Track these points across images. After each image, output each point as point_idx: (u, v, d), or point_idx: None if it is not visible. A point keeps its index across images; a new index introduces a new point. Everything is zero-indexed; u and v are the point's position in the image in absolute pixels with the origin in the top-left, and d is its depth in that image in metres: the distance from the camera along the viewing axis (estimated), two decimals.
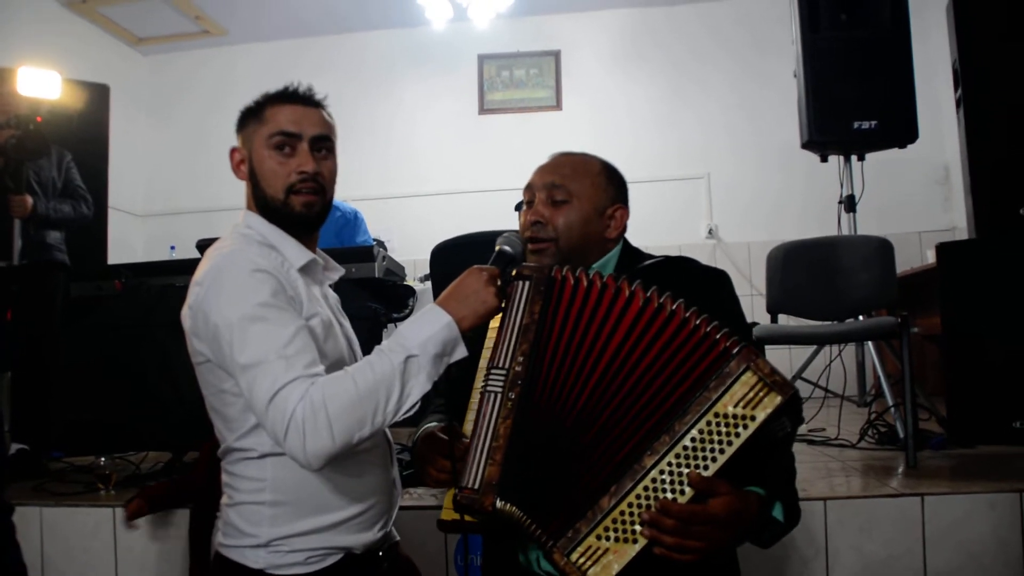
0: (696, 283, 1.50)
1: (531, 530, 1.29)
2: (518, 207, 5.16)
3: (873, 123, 3.99)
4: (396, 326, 3.15)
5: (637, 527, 1.24)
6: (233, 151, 1.56)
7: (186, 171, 6.90)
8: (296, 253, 1.52)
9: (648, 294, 1.32)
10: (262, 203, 1.52)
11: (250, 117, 1.56)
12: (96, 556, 2.70)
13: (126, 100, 6.21)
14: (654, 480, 1.24)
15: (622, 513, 1.25)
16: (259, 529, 1.42)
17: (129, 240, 6.60)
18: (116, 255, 5.28)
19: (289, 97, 1.55)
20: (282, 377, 1.28)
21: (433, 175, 6.44)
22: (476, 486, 1.30)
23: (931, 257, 3.42)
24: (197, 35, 6.85)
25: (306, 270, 1.52)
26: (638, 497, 1.25)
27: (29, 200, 3.59)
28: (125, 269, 3.32)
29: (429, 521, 2.46)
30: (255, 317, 1.33)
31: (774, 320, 3.80)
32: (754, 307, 5.28)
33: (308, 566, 1.41)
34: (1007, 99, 3.18)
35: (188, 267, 3.37)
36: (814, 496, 2.46)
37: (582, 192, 1.58)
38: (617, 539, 1.25)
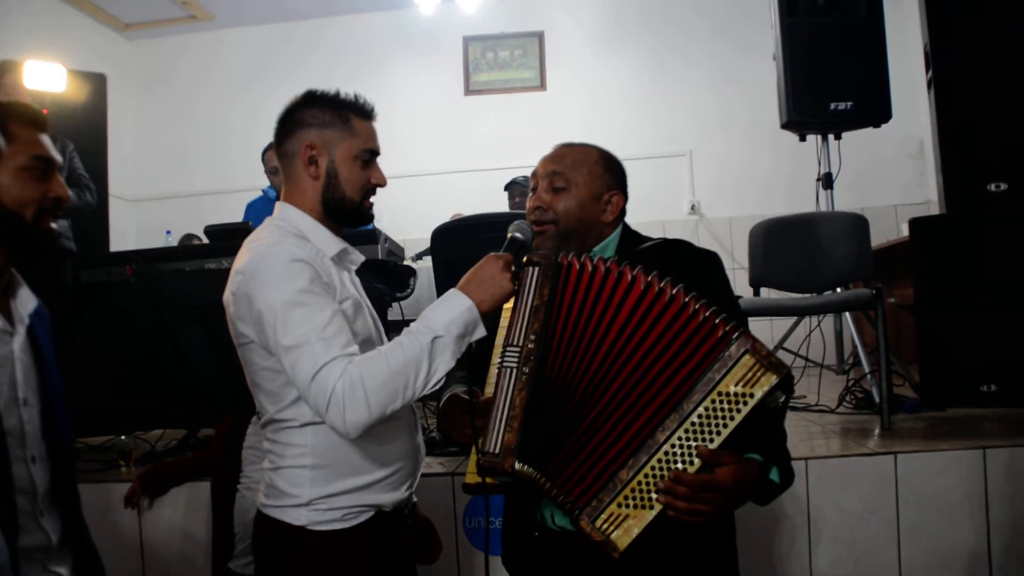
0: (690, 265, 1.65)
1: (552, 493, 1.47)
2: (506, 187, 5.29)
3: (849, 104, 4.15)
4: (399, 305, 3.30)
5: (653, 495, 1.41)
6: (308, 146, 1.64)
7: (176, 156, 6.97)
8: (330, 243, 1.66)
9: (649, 279, 1.48)
10: (334, 199, 1.66)
11: (332, 120, 1.66)
12: (123, 529, 2.85)
13: (114, 86, 6.25)
14: (666, 453, 1.41)
15: (639, 483, 1.42)
16: (300, 490, 1.57)
17: (121, 226, 6.67)
18: (111, 241, 5.37)
19: (369, 114, 1.69)
20: (322, 357, 1.44)
21: (420, 156, 6.55)
22: (497, 451, 1.47)
23: (906, 230, 3.58)
24: (184, 20, 6.91)
25: (336, 257, 1.67)
26: (652, 468, 1.42)
27: None
28: (135, 255, 3.43)
29: (440, 487, 2.64)
30: (296, 303, 1.48)
31: (756, 293, 3.99)
32: (736, 280, 5.39)
33: (344, 522, 1.57)
34: (977, 80, 3.31)
35: (196, 253, 3.52)
36: (796, 457, 2.60)
37: (579, 180, 1.72)
38: (636, 506, 1.42)
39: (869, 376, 3.60)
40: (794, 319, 4.07)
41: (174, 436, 3.50)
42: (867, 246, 3.73)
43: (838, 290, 3.84)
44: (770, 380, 1.39)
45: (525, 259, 1.58)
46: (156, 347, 3.22)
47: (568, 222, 1.70)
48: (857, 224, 3.74)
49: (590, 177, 1.73)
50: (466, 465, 1.63)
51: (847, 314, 4.01)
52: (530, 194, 1.78)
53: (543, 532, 1.67)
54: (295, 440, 1.58)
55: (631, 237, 1.78)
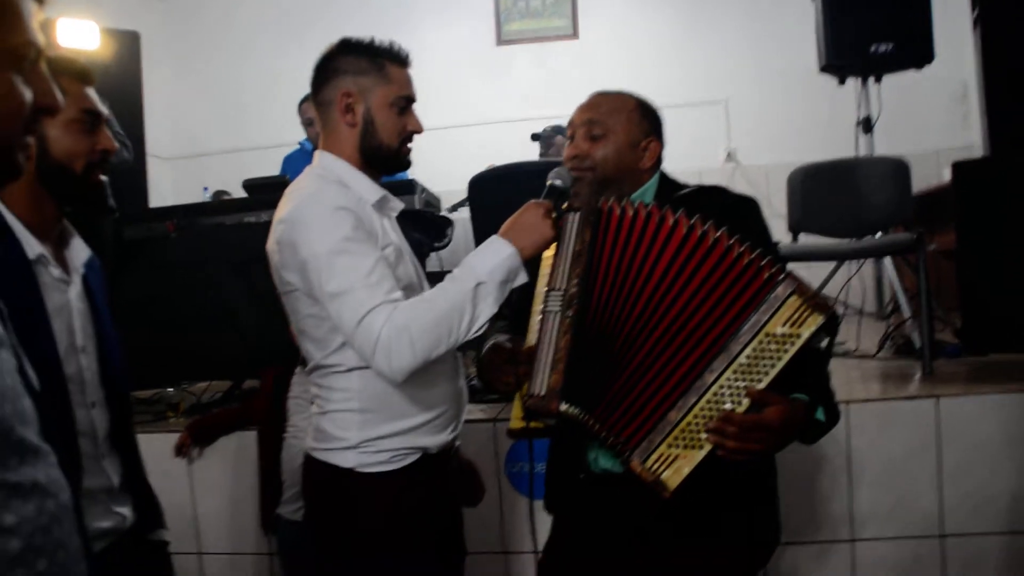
0: (728, 210, 1.64)
1: (601, 435, 1.49)
2: (534, 137, 5.24)
3: (890, 45, 4.06)
4: (438, 256, 3.32)
5: (703, 435, 1.42)
6: (344, 93, 1.65)
7: (209, 112, 6.99)
8: (370, 190, 1.68)
9: (692, 222, 1.47)
10: (372, 147, 1.66)
11: (367, 67, 1.66)
12: (174, 479, 2.93)
13: (147, 44, 6.28)
14: (715, 394, 1.43)
15: (689, 424, 1.44)
16: (349, 433, 1.61)
17: (159, 184, 6.74)
18: (149, 199, 5.43)
19: (405, 61, 1.69)
20: (367, 303, 1.47)
21: (452, 107, 6.50)
22: (542, 393, 1.49)
23: (948, 175, 3.51)
24: None
25: (377, 204, 1.68)
26: (702, 409, 1.43)
27: None
28: (176, 211, 3.48)
29: (482, 432, 2.68)
30: (340, 250, 1.50)
31: (795, 239, 3.95)
32: (773, 227, 5.35)
33: (391, 464, 1.61)
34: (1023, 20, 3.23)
35: (236, 207, 3.56)
36: (836, 400, 2.64)
37: (617, 127, 1.71)
38: (685, 446, 1.44)
39: (910, 321, 3.57)
40: (833, 264, 4.03)
41: (219, 388, 3.58)
42: (908, 190, 3.67)
43: (878, 235, 3.79)
44: (816, 320, 1.39)
45: (565, 205, 1.59)
46: (199, 301, 3.27)
47: (606, 169, 1.69)
48: (898, 168, 3.69)
49: (627, 124, 1.72)
50: (508, 411, 1.65)
51: (887, 259, 3.97)
52: (567, 142, 1.78)
53: (587, 475, 1.70)
54: (342, 385, 1.62)
55: (668, 184, 1.78)
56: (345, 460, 1.61)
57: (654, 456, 1.44)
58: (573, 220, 1.56)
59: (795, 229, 3.93)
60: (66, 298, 1.50)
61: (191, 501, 2.96)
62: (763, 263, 1.43)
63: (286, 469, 2.61)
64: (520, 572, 2.73)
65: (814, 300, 1.40)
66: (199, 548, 2.96)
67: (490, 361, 1.66)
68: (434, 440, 1.66)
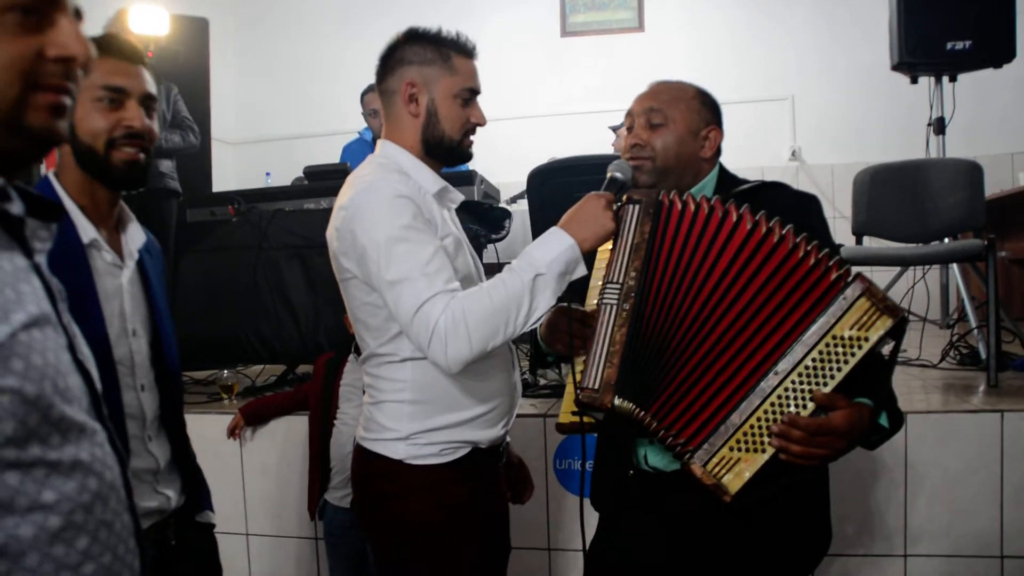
0: (788, 206, 1.59)
1: (660, 434, 1.45)
2: (613, 128, 5.13)
3: (968, 43, 3.91)
4: (495, 247, 3.32)
5: (766, 438, 1.38)
6: (409, 83, 1.64)
7: (274, 99, 7.09)
8: (431, 180, 1.67)
9: (756, 218, 1.43)
10: (434, 138, 1.66)
11: (433, 57, 1.65)
12: (225, 460, 2.99)
13: (215, 30, 6.39)
14: (779, 397, 1.38)
15: (751, 427, 1.39)
16: (400, 424, 1.61)
17: (222, 168, 6.86)
18: (213, 183, 5.53)
19: (471, 53, 1.68)
20: (425, 292, 1.46)
21: (516, 99, 6.49)
22: (596, 386, 1.46)
23: (1023, 180, 3.39)
24: None
25: (437, 195, 1.68)
26: (765, 412, 1.39)
27: None
28: (237, 195, 3.54)
29: (532, 427, 2.67)
30: (399, 238, 1.50)
31: (859, 242, 3.85)
32: (836, 229, 5.27)
33: (442, 457, 1.61)
34: None
35: (296, 193, 3.60)
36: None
37: (677, 115, 1.68)
38: (747, 449, 1.40)
39: (976, 331, 3.45)
40: (898, 269, 3.92)
41: (273, 372, 3.64)
42: (980, 195, 3.54)
43: (946, 240, 3.68)
44: (885, 324, 1.35)
45: (625, 197, 1.56)
46: (257, 285, 3.32)
47: (667, 158, 1.66)
48: (971, 172, 3.56)
49: (688, 112, 1.68)
50: (558, 408, 1.63)
51: (954, 266, 3.84)
52: (626, 133, 1.75)
53: (636, 472, 1.67)
54: (395, 375, 1.62)
55: (728, 179, 1.74)
56: (395, 451, 1.61)
57: (715, 459, 1.41)
58: (633, 212, 1.53)
59: (859, 232, 3.83)
60: (119, 283, 1.52)
61: (241, 482, 3.01)
62: (831, 263, 1.39)
63: (335, 455, 2.64)
64: (564, 569, 2.71)
65: (884, 303, 1.35)
66: (246, 529, 3.01)
67: (555, 322, 1.62)
68: (485, 435, 1.65)
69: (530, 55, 6.62)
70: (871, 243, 3.90)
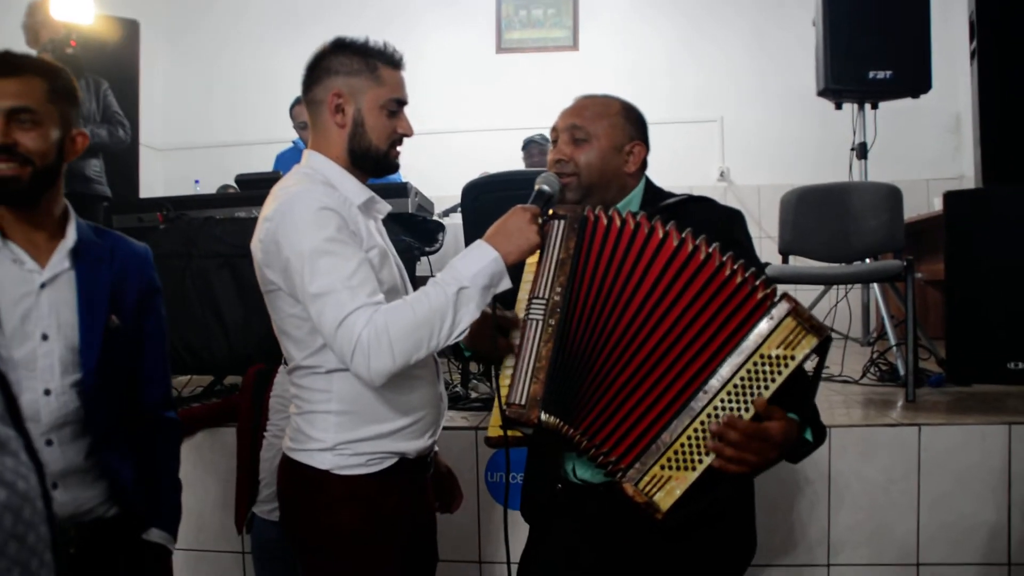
0: (713, 221, 1.63)
1: (591, 452, 1.46)
2: (524, 147, 5.24)
3: (888, 73, 4.08)
4: (428, 259, 3.31)
5: (696, 456, 1.40)
6: (335, 94, 1.64)
7: (204, 106, 6.98)
8: (357, 191, 1.66)
9: (683, 235, 1.45)
10: (361, 148, 1.65)
11: (360, 68, 1.64)
12: None
13: (146, 33, 6.25)
14: (708, 416, 1.40)
15: (682, 445, 1.40)
16: (326, 435, 1.59)
17: (150, 175, 6.70)
18: (140, 190, 5.40)
19: (398, 64, 1.68)
20: (348, 305, 1.45)
21: (450, 114, 6.51)
22: (523, 402, 1.47)
23: (938, 204, 3.52)
24: None
25: (363, 206, 1.67)
26: (695, 431, 1.40)
27: None
28: (166, 202, 3.46)
29: (463, 441, 2.67)
30: (323, 251, 1.49)
31: (785, 261, 3.96)
32: (763, 249, 5.41)
33: (369, 467, 1.59)
34: (1022, 53, 3.25)
35: (227, 201, 3.53)
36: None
37: (600, 131, 1.70)
38: (678, 467, 1.41)
39: (895, 348, 3.58)
40: (821, 288, 4.04)
41: (200, 382, 3.55)
42: (899, 218, 3.68)
43: (867, 261, 3.80)
44: (811, 343, 1.37)
45: (551, 212, 1.57)
46: (186, 294, 3.24)
47: (590, 175, 1.68)
48: (891, 195, 3.70)
49: (611, 128, 1.71)
50: (489, 420, 1.63)
51: (875, 286, 3.98)
52: (550, 147, 1.77)
53: (565, 485, 1.68)
54: (321, 386, 1.60)
55: (655, 193, 1.76)
56: (322, 462, 1.59)
57: (647, 478, 1.41)
58: (558, 228, 1.54)
59: (785, 251, 3.94)
60: (30, 288, 1.52)
61: None
62: (757, 283, 1.41)
63: (264, 468, 2.58)
64: None
65: (810, 322, 1.38)
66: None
67: (478, 330, 1.61)
68: (412, 445, 1.65)
69: (466, 70, 6.67)
70: (796, 262, 4.01)
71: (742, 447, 1.37)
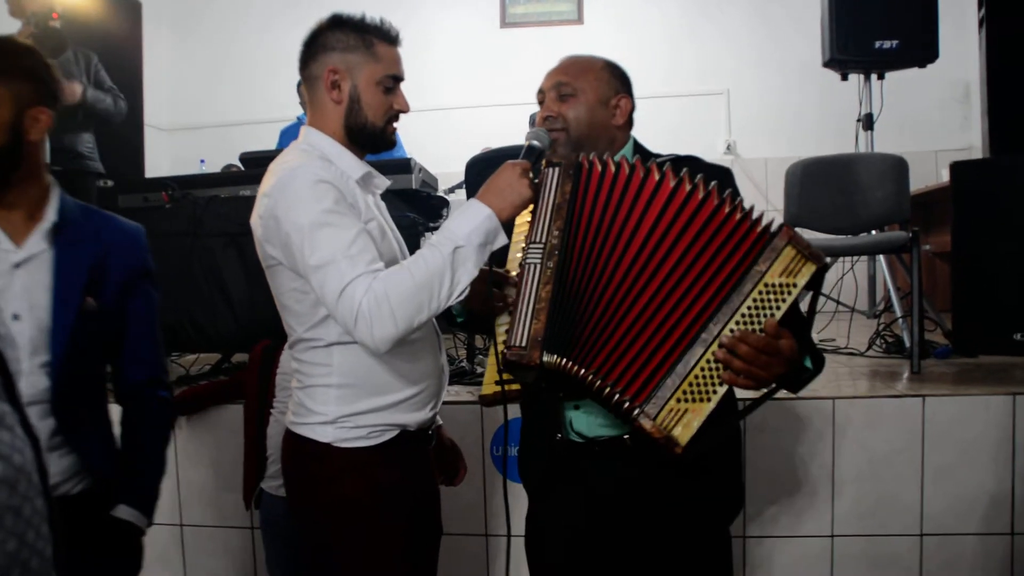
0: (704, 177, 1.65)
1: (605, 392, 1.44)
2: (531, 122, 5.20)
3: (895, 42, 4.04)
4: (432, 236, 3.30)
5: (711, 386, 1.41)
6: (331, 70, 1.64)
7: (209, 85, 6.96)
8: (354, 165, 1.67)
9: (680, 175, 1.46)
10: (357, 124, 1.66)
11: (356, 44, 1.65)
12: None
13: (149, 15, 6.24)
14: (720, 345, 1.41)
15: (696, 377, 1.41)
16: (327, 408, 1.61)
17: (155, 155, 6.70)
18: (146, 171, 5.41)
19: (394, 40, 1.68)
20: (348, 274, 1.46)
21: (455, 89, 6.48)
22: (523, 343, 1.45)
23: (946, 176, 3.49)
24: None
25: (361, 181, 1.67)
26: (708, 361, 1.41)
27: (78, 86, 3.68)
28: (171, 181, 3.46)
29: (468, 414, 2.68)
30: (322, 223, 1.49)
31: None
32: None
33: (370, 440, 1.61)
34: None
35: (231, 179, 3.54)
36: (823, 395, 2.65)
37: (586, 86, 1.71)
38: (694, 399, 1.41)
39: (900, 321, 3.57)
40: (828, 260, 4.02)
41: (208, 360, 3.58)
42: (906, 189, 3.66)
43: (873, 232, 3.79)
44: (810, 270, 1.40)
45: (545, 162, 1.57)
46: (192, 272, 3.26)
47: (579, 128, 1.69)
48: (897, 166, 3.67)
49: (596, 82, 1.72)
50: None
51: (881, 258, 3.96)
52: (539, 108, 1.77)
53: (562, 441, 1.69)
54: (321, 359, 1.62)
55: (643, 152, 1.77)
56: (323, 435, 1.61)
57: (664, 412, 1.41)
58: (553, 174, 1.53)
59: (791, 223, 3.92)
60: (3, 267, 1.54)
61: (175, 473, 2.96)
62: (756, 216, 1.43)
63: (271, 444, 2.60)
64: (501, 553, 2.73)
65: (808, 250, 1.40)
66: (181, 520, 2.96)
67: (473, 288, 1.59)
68: (413, 417, 1.66)
69: (469, 45, 6.62)
70: (803, 234, 3.99)
71: (751, 360, 1.38)
